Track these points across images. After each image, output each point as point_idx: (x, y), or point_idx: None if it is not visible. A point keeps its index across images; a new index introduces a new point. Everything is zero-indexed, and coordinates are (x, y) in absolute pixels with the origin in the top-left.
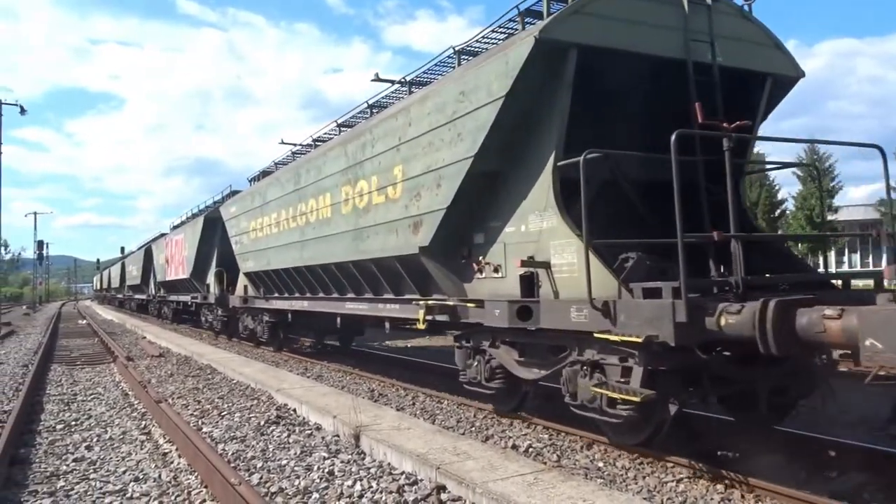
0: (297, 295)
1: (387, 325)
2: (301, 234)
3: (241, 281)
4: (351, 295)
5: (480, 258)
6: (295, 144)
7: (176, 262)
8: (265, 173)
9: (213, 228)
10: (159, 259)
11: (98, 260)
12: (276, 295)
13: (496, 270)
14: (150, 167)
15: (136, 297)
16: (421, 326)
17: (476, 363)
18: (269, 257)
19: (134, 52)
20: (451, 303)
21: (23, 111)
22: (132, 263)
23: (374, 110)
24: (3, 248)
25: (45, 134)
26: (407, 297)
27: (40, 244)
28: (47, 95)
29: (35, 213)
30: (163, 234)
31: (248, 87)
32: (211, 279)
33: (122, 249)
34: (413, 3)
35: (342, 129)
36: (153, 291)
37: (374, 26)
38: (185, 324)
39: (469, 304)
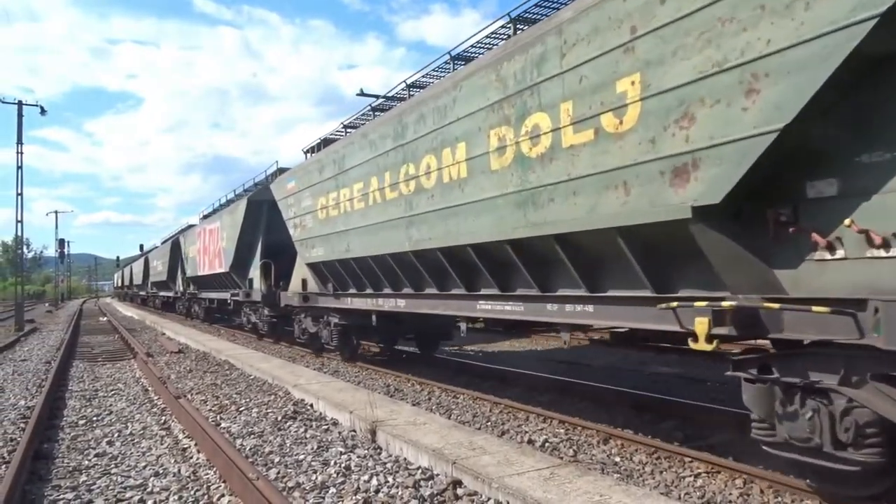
0: (387, 291)
1: (566, 336)
2: (408, 207)
3: (299, 274)
4: (489, 291)
5: (851, 221)
6: (378, 97)
7: (210, 254)
8: (327, 141)
9: (257, 213)
10: (190, 252)
11: (118, 257)
12: (354, 291)
13: (883, 245)
14: (168, 165)
15: (161, 294)
16: (705, 346)
17: (809, 414)
18: (348, 242)
19: (151, 51)
20: (770, 304)
21: (43, 112)
22: (157, 258)
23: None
24: (25, 247)
25: (65, 134)
26: (610, 294)
27: (61, 242)
28: (67, 95)
29: (56, 212)
30: (191, 226)
31: (263, 85)
32: (255, 273)
33: (142, 247)
34: None
35: (457, 63)
36: (181, 288)
37: (388, 22)
38: (217, 324)
39: (821, 310)
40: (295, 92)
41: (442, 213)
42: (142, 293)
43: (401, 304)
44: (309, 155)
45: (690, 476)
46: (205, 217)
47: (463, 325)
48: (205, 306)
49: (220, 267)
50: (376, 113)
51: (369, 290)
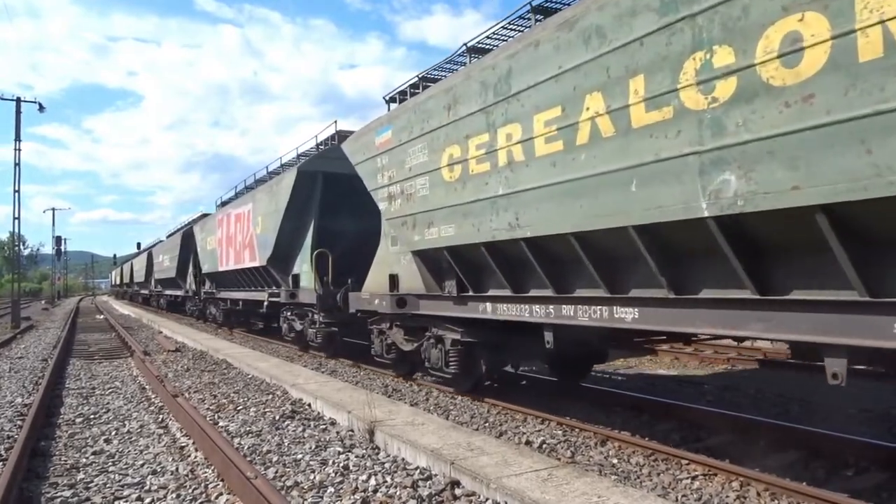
0: (584, 293)
1: None
2: (709, 133)
3: (385, 267)
4: None
5: None
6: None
7: (237, 244)
8: (428, 80)
9: (309, 188)
10: (207, 243)
11: (115, 255)
12: (508, 293)
13: None
14: (168, 163)
15: (168, 292)
16: None
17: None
18: (516, 212)
19: (152, 48)
20: None
21: (41, 108)
22: (163, 252)
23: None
24: (21, 244)
25: (64, 131)
26: None
27: (58, 240)
28: (67, 92)
29: (53, 210)
30: (205, 215)
31: (264, 83)
32: (302, 267)
33: (139, 245)
34: None
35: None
36: (193, 286)
37: (390, 21)
38: (239, 329)
39: None
40: (295, 91)
41: (848, 130)
42: (144, 292)
43: (627, 316)
44: (391, 107)
45: (687, 478)
46: (221, 205)
47: (840, 367)
48: (224, 308)
49: (251, 260)
50: (538, 17)
51: (545, 292)
